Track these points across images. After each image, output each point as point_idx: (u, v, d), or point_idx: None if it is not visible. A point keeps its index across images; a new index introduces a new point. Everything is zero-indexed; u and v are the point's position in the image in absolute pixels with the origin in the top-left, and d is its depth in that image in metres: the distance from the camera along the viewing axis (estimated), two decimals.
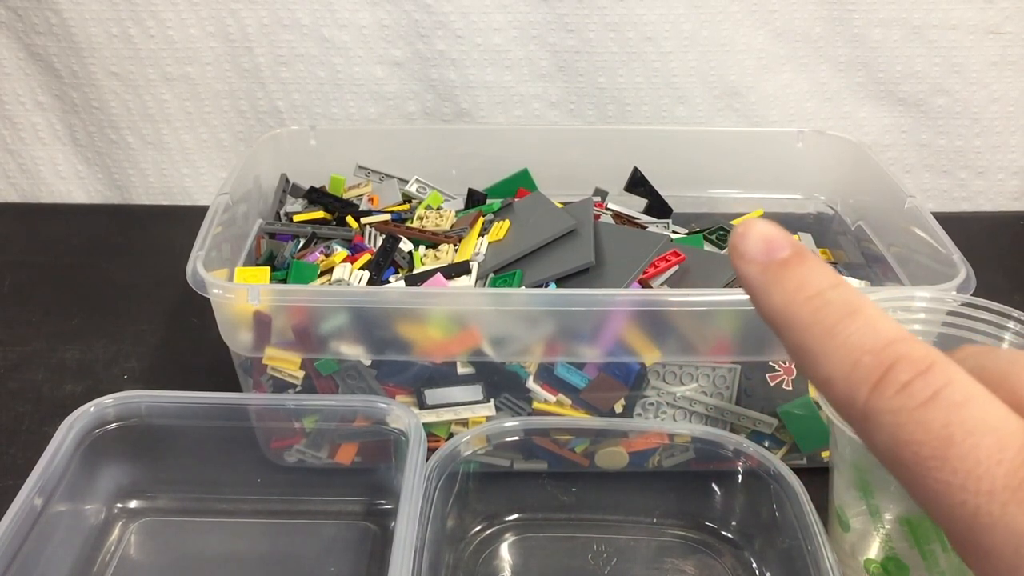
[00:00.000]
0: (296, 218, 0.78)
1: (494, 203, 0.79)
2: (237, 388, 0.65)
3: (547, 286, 0.66)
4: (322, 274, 0.69)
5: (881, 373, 0.23)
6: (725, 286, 0.67)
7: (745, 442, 0.60)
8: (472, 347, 0.61)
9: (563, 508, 0.64)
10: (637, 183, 0.83)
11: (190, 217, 0.70)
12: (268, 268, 0.69)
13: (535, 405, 0.64)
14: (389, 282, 0.68)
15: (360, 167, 0.83)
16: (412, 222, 0.76)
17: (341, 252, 0.72)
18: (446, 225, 0.75)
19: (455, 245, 0.72)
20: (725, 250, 0.76)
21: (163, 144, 0.99)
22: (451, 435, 0.64)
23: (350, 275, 0.67)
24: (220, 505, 0.63)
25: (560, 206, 0.76)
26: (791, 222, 0.85)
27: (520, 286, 0.66)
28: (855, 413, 0.24)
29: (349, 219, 0.77)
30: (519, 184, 0.83)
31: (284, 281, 0.69)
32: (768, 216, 0.83)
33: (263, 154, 0.81)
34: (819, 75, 0.95)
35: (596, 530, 0.62)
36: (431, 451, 0.59)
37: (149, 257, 0.92)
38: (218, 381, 0.66)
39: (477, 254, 0.70)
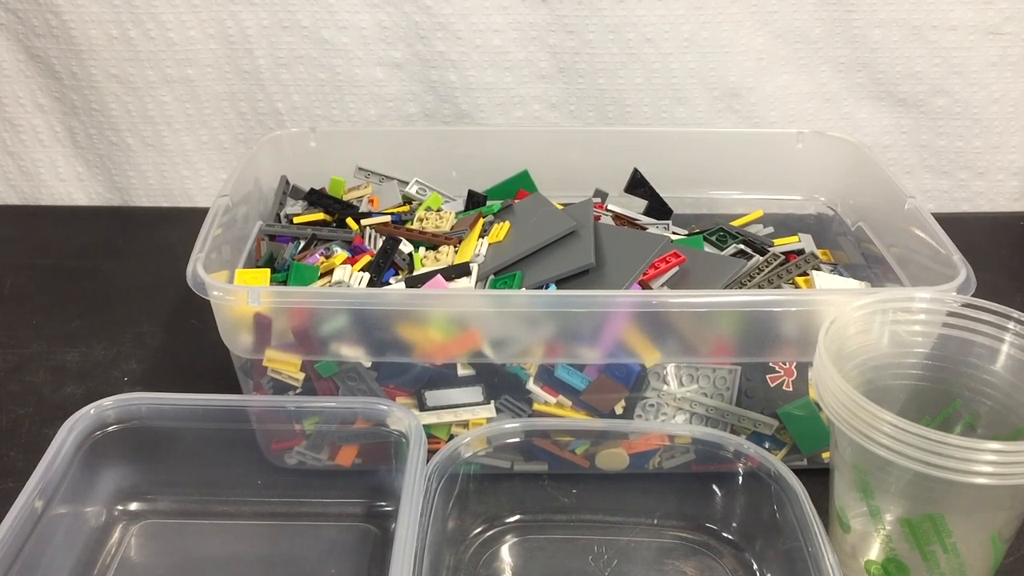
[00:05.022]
0: (296, 220, 0.78)
1: (494, 204, 0.79)
2: (237, 390, 0.65)
3: (547, 288, 0.66)
4: (322, 276, 0.69)
5: None
6: (725, 287, 0.67)
7: (745, 443, 0.60)
8: (472, 349, 0.61)
9: (564, 510, 0.64)
10: (637, 184, 0.83)
11: (190, 219, 0.70)
12: (268, 270, 0.68)
13: (535, 407, 0.64)
14: (389, 284, 0.68)
15: (360, 169, 0.83)
16: (412, 224, 0.76)
17: (341, 254, 0.72)
18: (446, 227, 0.75)
19: (455, 247, 0.72)
20: (725, 251, 0.76)
21: (163, 146, 0.99)
22: (451, 437, 0.64)
23: (350, 277, 0.67)
24: (220, 507, 0.63)
25: (560, 207, 0.76)
26: (791, 223, 0.84)
27: (520, 288, 0.66)
28: None
29: (349, 221, 0.77)
30: (519, 185, 0.83)
31: (284, 283, 0.69)
32: (768, 217, 0.83)
33: (263, 156, 0.81)
34: (819, 76, 0.95)
35: (597, 532, 0.62)
36: (431, 453, 0.59)
37: (149, 259, 0.92)
38: (218, 383, 0.67)
39: (477, 255, 0.70)
